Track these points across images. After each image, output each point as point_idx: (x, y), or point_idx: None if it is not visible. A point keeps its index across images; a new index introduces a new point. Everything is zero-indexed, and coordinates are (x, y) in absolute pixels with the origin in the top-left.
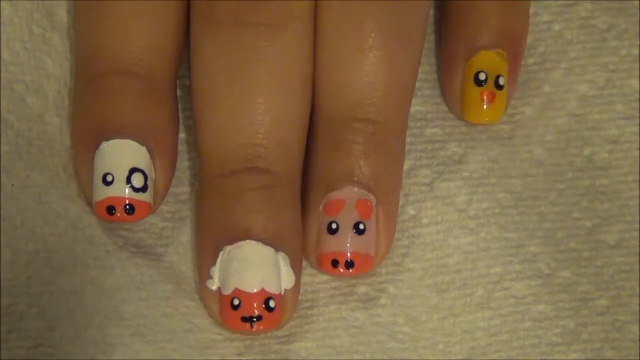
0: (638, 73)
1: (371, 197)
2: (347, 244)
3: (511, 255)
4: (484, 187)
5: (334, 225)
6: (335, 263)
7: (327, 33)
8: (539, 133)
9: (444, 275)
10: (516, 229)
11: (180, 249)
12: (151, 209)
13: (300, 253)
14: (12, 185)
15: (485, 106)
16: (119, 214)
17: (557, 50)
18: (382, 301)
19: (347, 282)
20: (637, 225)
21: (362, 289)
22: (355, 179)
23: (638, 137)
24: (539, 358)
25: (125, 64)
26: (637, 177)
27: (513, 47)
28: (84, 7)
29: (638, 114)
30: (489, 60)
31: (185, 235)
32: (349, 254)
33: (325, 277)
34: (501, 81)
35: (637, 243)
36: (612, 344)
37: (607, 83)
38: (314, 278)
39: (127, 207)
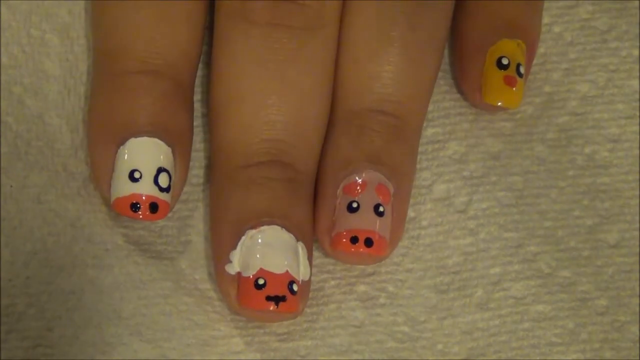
0: (638, 74)
1: (390, 185)
2: (368, 222)
3: (511, 256)
4: (484, 186)
5: (354, 205)
6: (354, 240)
7: (357, 29)
8: (540, 131)
9: (443, 276)
10: (516, 228)
11: (179, 247)
12: (169, 210)
13: (312, 250)
14: (11, 186)
15: (507, 87)
16: (142, 212)
17: (557, 51)
18: (382, 300)
19: (346, 281)
20: (638, 225)
21: (362, 288)
22: (377, 165)
23: (639, 137)
24: (538, 358)
25: (153, 64)
26: (638, 177)
27: (529, 43)
28: (108, 7)
29: (638, 114)
30: (510, 48)
31: (185, 235)
32: (369, 232)
33: (325, 276)
34: (521, 69)
35: (637, 243)
36: (611, 344)
37: (607, 83)
38: (314, 277)
39: (152, 205)
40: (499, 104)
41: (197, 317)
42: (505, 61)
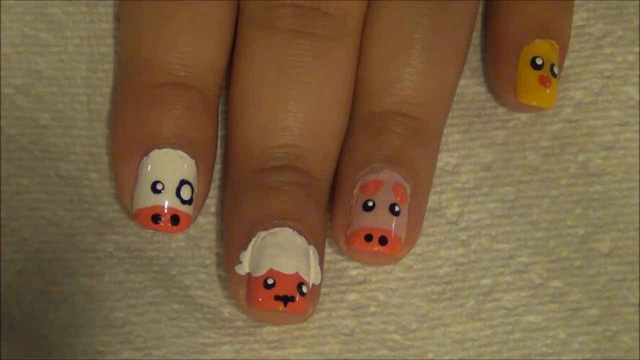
0: (633, 80)
1: (407, 185)
2: (383, 220)
3: (502, 267)
4: (475, 197)
5: (370, 203)
6: (369, 237)
7: (380, 30)
8: (534, 139)
9: (434, 286)
10: (507, 239)
11: (170, 253)
12: (191, 222)
13: (323, 256)
14: (2, 192)
15: (542, 87)
16: (163, 224)
17: None
18: (372, 309)
19: (337, 289)
20: (631, 234)
21: (352, 296)
22: (395, 165)
23: (633, 144)
24: None
25: (180, 77)
26: (631, 185)
27: (561, 43)
28: (137, 19)
29: (633, 121)
30: (544, 49)
31: (175, 241)
32: (384, 230)
33: None
34: (555, 70)
35: (630, 252)
36: (603, 354)
37: (602, 90)
38: None
39: (174, 217)
40: (534, 104)
41: (188, 324)
42: (539, 61)
